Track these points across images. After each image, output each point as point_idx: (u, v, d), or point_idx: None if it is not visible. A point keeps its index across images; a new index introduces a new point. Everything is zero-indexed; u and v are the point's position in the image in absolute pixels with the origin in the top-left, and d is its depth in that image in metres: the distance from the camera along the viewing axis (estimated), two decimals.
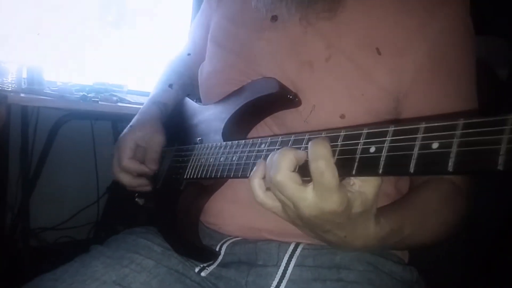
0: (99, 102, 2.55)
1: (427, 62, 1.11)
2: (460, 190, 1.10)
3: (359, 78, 1.12)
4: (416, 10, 1.13)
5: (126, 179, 1.38)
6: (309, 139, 0.81)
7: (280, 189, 0.76)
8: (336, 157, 0.74)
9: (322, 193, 0.73)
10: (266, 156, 0.88)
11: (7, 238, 2.90)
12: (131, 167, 1.36)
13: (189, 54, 1.71)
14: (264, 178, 0.82)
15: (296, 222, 0.83)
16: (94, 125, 3.29)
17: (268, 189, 0.82)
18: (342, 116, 1.12)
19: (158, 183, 1.39)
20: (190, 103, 1.48)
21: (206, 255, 1.24)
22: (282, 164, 0.75)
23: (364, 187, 0.76)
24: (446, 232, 1.08)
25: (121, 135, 1.42)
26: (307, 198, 0.74)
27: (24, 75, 2.51)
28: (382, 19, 1.14)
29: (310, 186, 0.74)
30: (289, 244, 1.17)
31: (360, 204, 0.76)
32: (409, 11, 1.13)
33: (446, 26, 1.12)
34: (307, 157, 0.73)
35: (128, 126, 1.45)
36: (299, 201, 0.75)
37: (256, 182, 0.83)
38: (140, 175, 1.39)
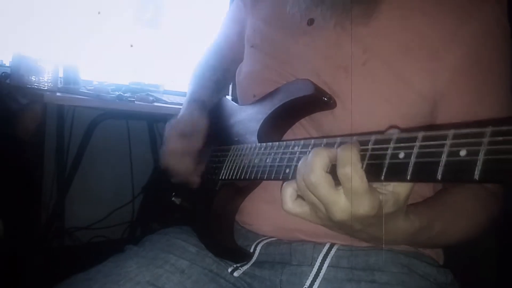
0: (135, 102, 2.56)
1: (463, 65, 1.09)
2: (491, 190, 1.10)
3: (395, 83, 1.11)
4: (452, 13, 1.11)
5: (175, 161, 1.36)
6: (341, 143, 0.81)
7: (313, 190, 0.77)
8: (366, 161, 0.74)
9: (353, 198, 0.74)
10: (299, 159, 0.90)
11: (42, 237, 2.92)
12: (179, 147, 1.35)
13: None
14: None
15: (326, 223, 0.85)
16: (130, 125, 3.31)
17: (298, 197, 0.85)
18: (377, 120, 1.11)
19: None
20: (228, 102, 1.49)
21: (240, 256, 1.24)
22: (316, 164, 0.75)
23: (398, 187, 0.76)
24: (477, 232, 1.09)
25: (168, 124, 1.41)
26: (339, 202, 0.75)
27: (61, 74, 2.54)
28: (418, 23, 1.13)
29: (342, 190, 0.75)
30: (323, 244, 1.16)
31: (393, 204, 0.77)
32: (445, 13, 1.12)
33: (481, 28, 1.10)
34: None
35: (174, 119, 1.44)
36: (331, 204, 0.76)
37: (288, 191, 0.85)
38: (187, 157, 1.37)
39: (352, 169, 0.71)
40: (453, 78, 1.10)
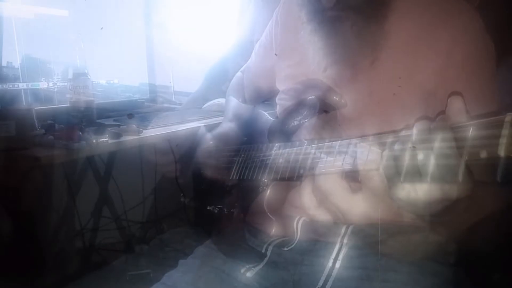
0: (145, 103, 2.55)
1: (468, 63, 1.10)
2: None
3: (402, 81, 1.12)
4: (462, 13, 1.13)
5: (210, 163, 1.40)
6: (356, 144, 0.86)
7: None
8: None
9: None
10: (314, 159, 0.95)
11: (54, 237, 2.93)
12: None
13: None
14: None
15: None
16: None
17: None
18: (383, 119, 1.12)
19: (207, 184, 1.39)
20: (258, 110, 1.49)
21: (252, 256, 1.24)
22: None
23: None
24: None
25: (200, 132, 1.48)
26: None
27: (70, 76, 2.53)
28: (427, 23, 1.14)
29: None
30: (334, 244, 1.16)
31: None
32: (454, 14, 1.13)
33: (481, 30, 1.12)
34: None
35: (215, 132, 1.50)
36: None
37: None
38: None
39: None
40: (458, 75, 1.10)
